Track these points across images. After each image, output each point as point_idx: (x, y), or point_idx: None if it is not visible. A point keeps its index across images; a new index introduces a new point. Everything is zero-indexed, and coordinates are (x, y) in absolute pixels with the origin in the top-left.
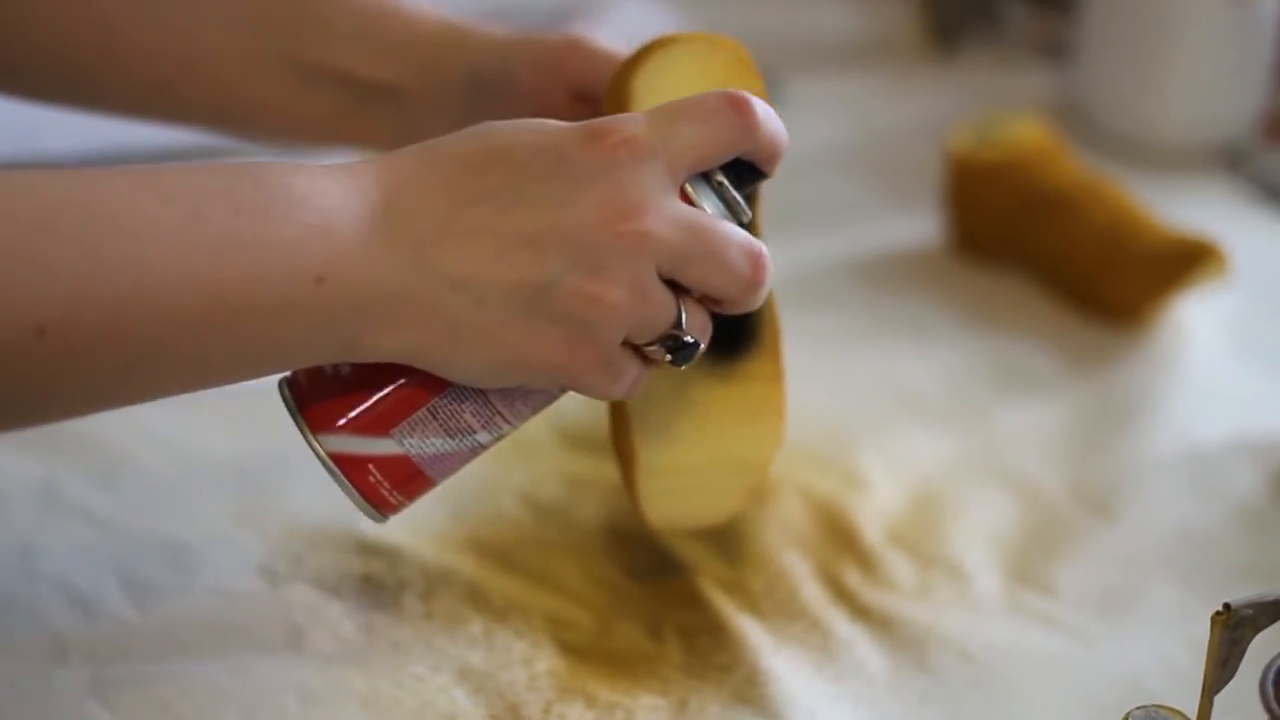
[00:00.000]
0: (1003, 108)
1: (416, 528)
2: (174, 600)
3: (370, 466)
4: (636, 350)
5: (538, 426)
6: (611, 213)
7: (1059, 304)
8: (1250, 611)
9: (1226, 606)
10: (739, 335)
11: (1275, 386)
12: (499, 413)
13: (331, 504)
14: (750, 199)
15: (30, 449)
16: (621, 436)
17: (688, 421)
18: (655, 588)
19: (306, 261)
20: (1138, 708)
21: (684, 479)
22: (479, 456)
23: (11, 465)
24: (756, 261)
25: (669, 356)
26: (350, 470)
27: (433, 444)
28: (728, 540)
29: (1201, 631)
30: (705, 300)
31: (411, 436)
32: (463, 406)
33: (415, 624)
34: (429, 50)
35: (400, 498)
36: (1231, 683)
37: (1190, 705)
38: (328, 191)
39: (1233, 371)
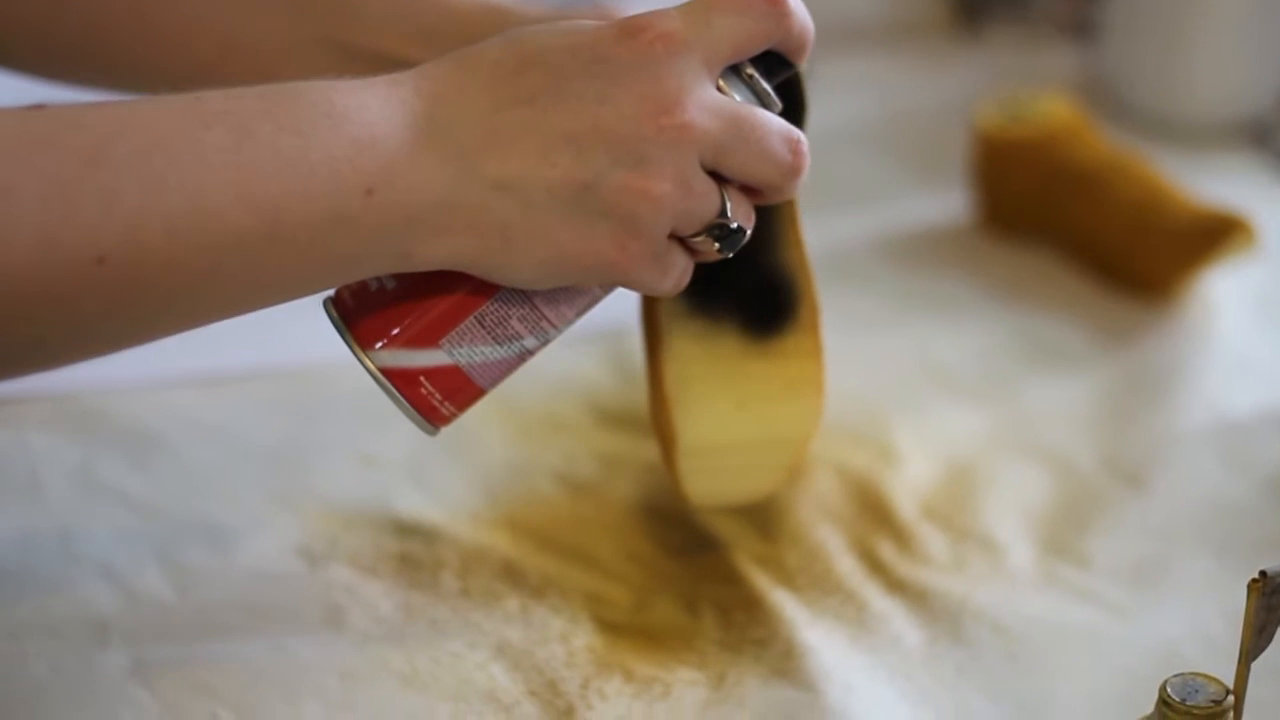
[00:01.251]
0: (1029, 85)
1: (452, 507)
2: (213, 582)
3: (421, 378)
4: (683, 242)
5: (571, 405)
6: (652, 107)
7: (1088, 279)
8: None
9: (1262, 574)
10: (776, 311)
11: None
12: (545, 316)
13: (366, 485)
14: (790, 87)
15: (65, 432)
16: (661, 416)
17: (727, 399)
18: (691, 564)
19: (355, 174)
20: (1175, 675)
21: (724, 457)
22: (526, 362)
23: (47, 449)
24: (796, 148)
25: (716, 245)
26: (402, 384)
27: (481, 352)
28: (763, 516)
29: (1235, 600)
30: (747, 189)
31: (460, 346)
32: (509, 312)
33: (453, 602)
34: (467, 30)
35: (452, 408)
36: (1268, 650)
37: (1227, 674)
38: (369, 104)
39: (1261, 343)
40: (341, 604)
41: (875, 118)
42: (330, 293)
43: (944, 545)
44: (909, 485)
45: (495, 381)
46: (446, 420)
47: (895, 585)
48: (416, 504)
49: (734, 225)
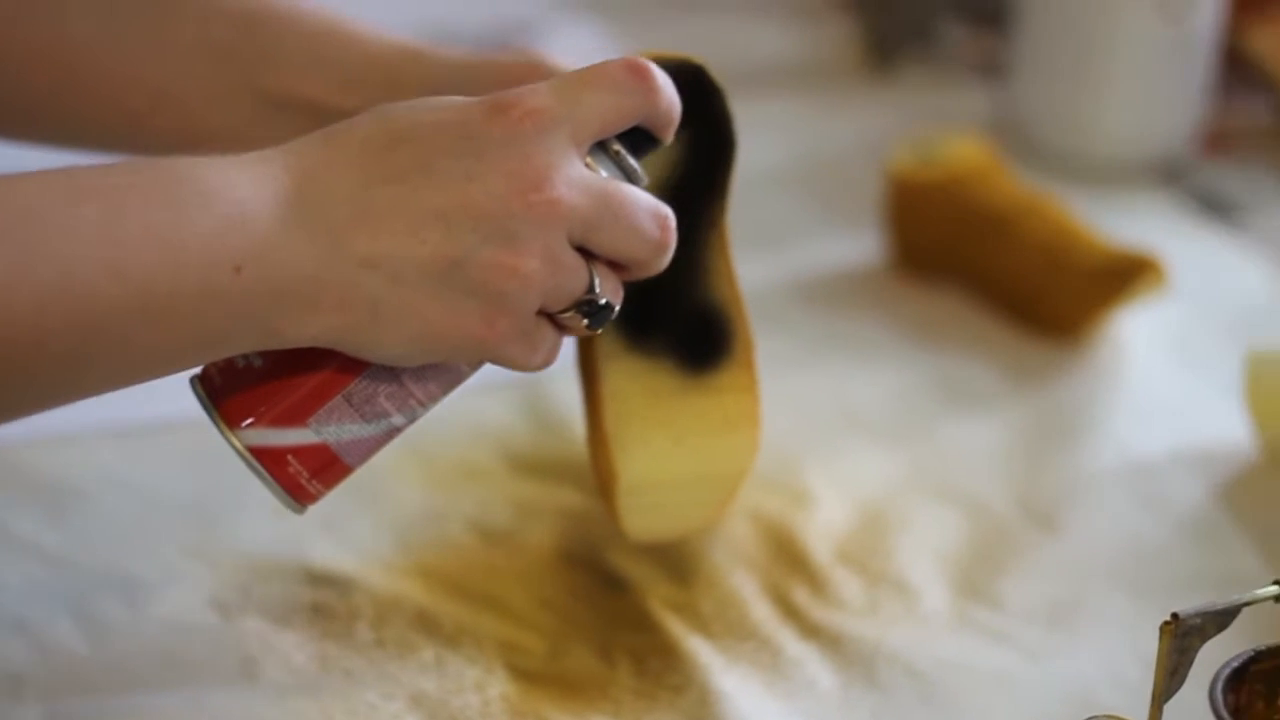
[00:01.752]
0: (941, 126)
1: (365, 556)
2: (127, 634)
3: (289, 457)
4: (552, 319)
5: (486, 453)
6: (520, 184)
7: (1000, 320)
8: (1198, 620)
9: (1174, 616)
10: (711, 347)
11: (1215, 398)
12: (413, 394)
13: (280, 535)
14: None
15: None
16: (599, 454)
17: (665, 436)
18: (605, 611)
19: (224, 251)
20: (1088, 718)
21: (663, 494)
22: (394, 439)
23: None
24: (664, 224)
25: (585, 321)
26: (269, 463)
27: (349, 430)
28: (677, 562)
29: (1149, 642)
30: (615, 265)
31: (329, 424)
32: (377, 389)
33: (367, 652)
34: (389, 74)
35: (319, 486)
36: (1181, 691)
37: (1140, 715)
38: (239, 182)
39: (1173, 383)
40: (255, 655)
41: (788, 159)
42: (198, 370)
43: (858, 589)
44: (823, 529)
45: (363, 459)
46: (314, 498)
47: (810, 630)
48: (329, 553)
49: (602, 301)
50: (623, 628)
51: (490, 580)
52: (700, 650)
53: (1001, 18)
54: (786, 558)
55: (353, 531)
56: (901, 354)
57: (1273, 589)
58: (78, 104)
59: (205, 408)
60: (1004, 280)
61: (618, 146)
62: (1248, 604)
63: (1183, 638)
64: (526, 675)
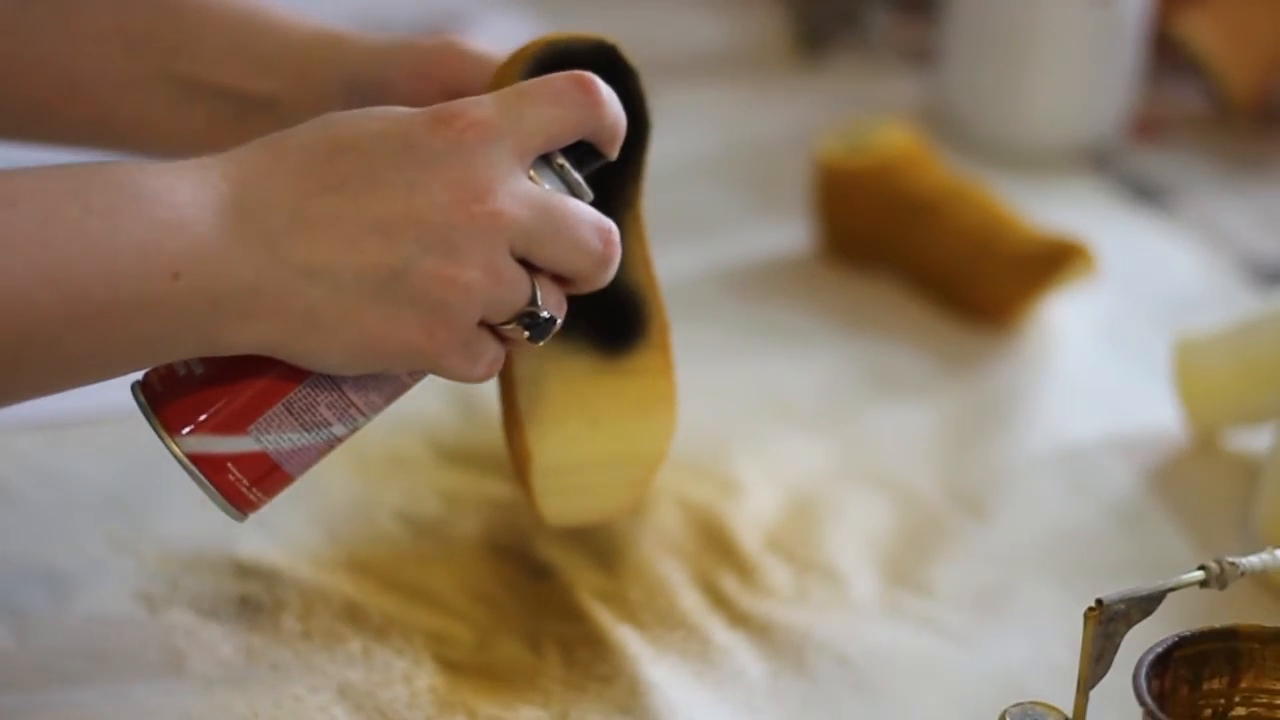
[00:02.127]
0: (870, 114)
1: (293, 548)
2: (53, 628)
3: (229, 465)
4: (493, 330)
5: (413, 443)
6: (463, 194)
7: (929, 308)
8: (1123, 606)
9: (1099, 602)
10: (626, 330)
11: (1145, 384)
12: (353, 404)
13: (206, 527)
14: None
15: None
16: (514, 436)
17: (580, 418)
18: (534, 601)
19: (161, 258)
20: (1014, 705)
21: (579, 476)
22: (335, 449)
23: None
24: (607, 238)
25: (526, 334)
26: (209, 470)
27: (290, 439)
28: (605, 551)
29: (1077, 628)
30: (558, 278)
31: (269, 433)
32: (318, 398)
33: (294, 644)
34: (304, 59)
35: (260, 494)
36: (1107, 677)
37: (1069, 702)
38: (177, 188)
39: (1103, 370)
40: (182, 648)
41: (715, 147)
42: (139, 376)
43: (787, 577)
44: (752, 517)
45: (303, 468)
46: (255, 506)
47: (739, 619)
48: (257, 545)
49: (544, 314)
50: (551, 617)
51: (418, 571)
52: (629, 640)
53: (930, 4)
54: (715, 546)
55: (280, 523)
56: (831, 342)
57: (1197, 574)
58: None
59: (145, 414)
60: (933, 267)
61: (561, 160)
62: (1172, 589)
63: (1108, 624)
64: (455, 666)
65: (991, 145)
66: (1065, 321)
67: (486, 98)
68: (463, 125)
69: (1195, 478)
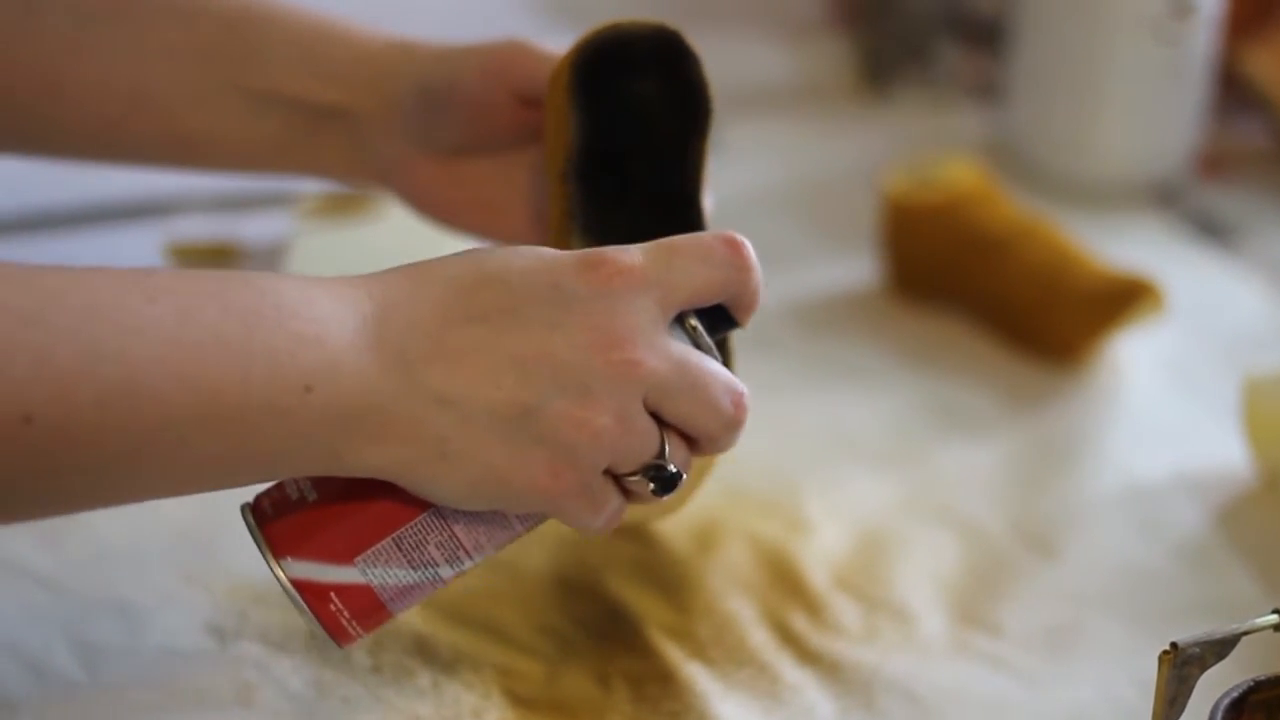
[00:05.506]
0: (936, 149)
1: None
2: (123, 661)
3: (332, 594)
4: (618, 481)
5: None
6: (604, 340)
7: (997, 344)
8: (1197, 650)
9: (1174, 645)
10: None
11: (1212, 422)
12: (462, 545)
13: None
14: (721, 346)
15: None
16: None
17: None
18: (603, 636)
19: (295, 369)
20: None
21: None
22: (436, 591)
23: None
24: (738, 401)
25: (651, 486)
26: (312, 598)
27: (395, 574)
28: (674, 587)
29: (1147, 668)
30: (686, 436)
31: (375, 566)
32: (428, 537)
33: (364, 678)
34: (375, 68)
35: (359, 629)
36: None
37: None
38: (319, 300)
39: (1171, 407)
40: (252, 681)
41: (783, 182)
42: (249, 498)
43: (856, 615)
44: (820, 554)
45: (403, 608)
46: (352, 640)
47: (808, 656)
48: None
49: (671, 469)
50: (620, 653)
51: (488, 605)
52: (698, 676)
53: (997, 39)
54: (784, 583)
55: None
56: (898, 378)
57: (1272, 618)
58: (55, 111)
59: (253, 535)
60: (1000, 304)
61: (694, 322)
62: (1247, 633)
63: (1181, 667)
64: (523, 701)
65: (1058, 181)
66: (1133, 359)
67: (636, 247)
68: (610, 271)
69: (1263, 517)
